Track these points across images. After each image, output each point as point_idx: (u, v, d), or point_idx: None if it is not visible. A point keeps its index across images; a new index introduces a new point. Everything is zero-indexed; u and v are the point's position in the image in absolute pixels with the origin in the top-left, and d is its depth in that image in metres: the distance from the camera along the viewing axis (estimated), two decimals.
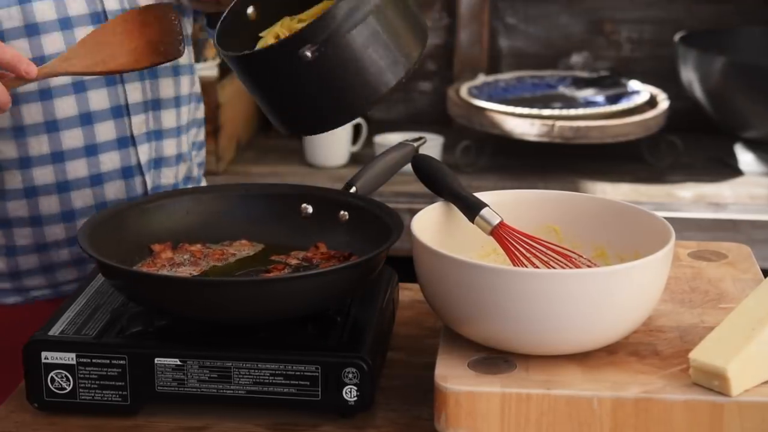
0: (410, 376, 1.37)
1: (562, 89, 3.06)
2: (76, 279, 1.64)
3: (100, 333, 1.31)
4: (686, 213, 2.69)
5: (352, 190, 1.47)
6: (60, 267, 1.63)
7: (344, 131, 2.85)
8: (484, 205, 1.33)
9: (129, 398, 1.29)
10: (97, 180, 1.60)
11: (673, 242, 1.27)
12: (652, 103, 2.93)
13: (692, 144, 2.97)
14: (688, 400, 1.17)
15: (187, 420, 1.29)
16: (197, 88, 1.75)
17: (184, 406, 1.30)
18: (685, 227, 2.62)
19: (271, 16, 1.48)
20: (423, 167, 1.42)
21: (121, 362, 1.28)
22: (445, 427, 1.19)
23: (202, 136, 1.80)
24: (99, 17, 1.56)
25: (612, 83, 3.05)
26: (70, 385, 1.29)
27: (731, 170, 2.89)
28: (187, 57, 1.67)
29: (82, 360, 1.28)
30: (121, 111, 1.60)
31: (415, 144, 1.54)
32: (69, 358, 1.28)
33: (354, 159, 2.87)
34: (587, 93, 3.01)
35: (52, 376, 1.29)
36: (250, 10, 1.47)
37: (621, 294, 1.21)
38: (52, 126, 1.55)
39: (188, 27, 1.72)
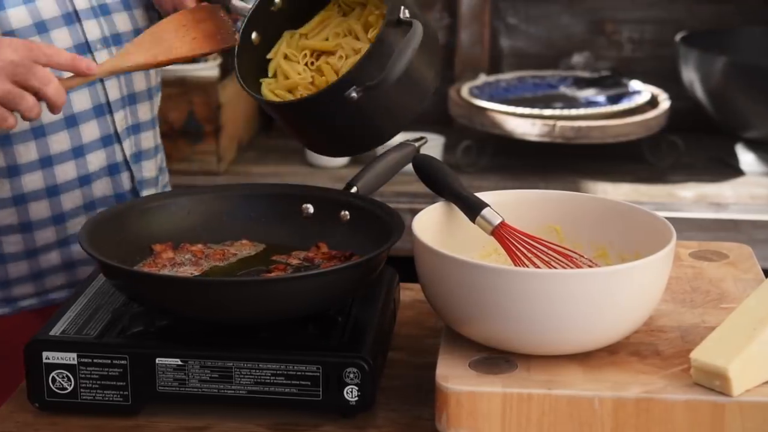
0: (411, 376, 1.37)
1: (564, 89, 3.06)
2: (64, 285, 1.63)
3: (101, 333, 1.31)
4: (687, 213, 2.69)
5: (353, 190, 1.47)
6: (49, 273, 1.62)
7: None
8: (485, 205, 1.33)
9: (130, 398, 1.29)
10: (85, 180, 1.60)
11: (674, 242, 1.27)
12: (653, 103, 2.93)
13: (693, 144, 2.97)
14: (690, 400, 1.17)
15: (188, 420, 1.29)
16: (159, 77, 1.76)
17: (185, 406, 1.30)
18: (686, 227, 2.62)
19: (270, 35, 1.50)
20: (424, 167, 1.42)
21: (123, 362, 1.28)
22: (446, 427, 1.19)
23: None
24: (71, 17, 1.56)
25: (613, 83, 3.05)
26: (71, 385, 1.29)
27: (732, 170, 2.89)
28: None
29: (83, 360, 1.28)
30: (102, 109, 1.60)
31: (416, 144, 1.54)
32: (70, 358, 1.28)
33: (355, 159, 2.86)
34: (588, 93, 3.01)
35: (53, 376, 1.29)
36: (254, 35, 1.49)
37: (622, 294, 1.21)
38: (39, 131, 1.55)
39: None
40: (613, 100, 2.94)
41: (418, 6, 1.42)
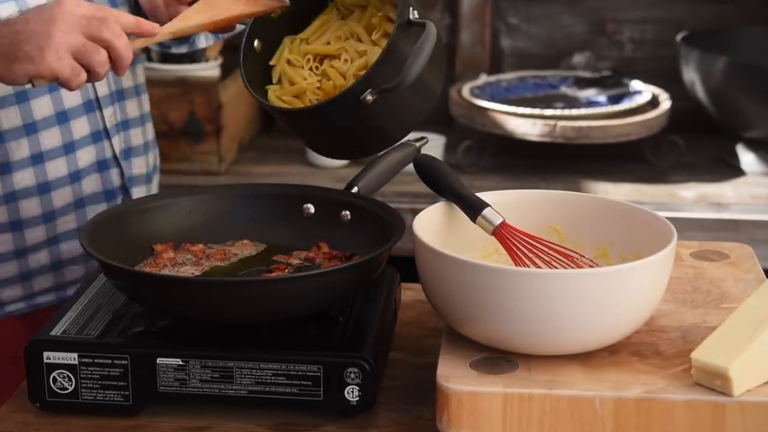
0: (412, 376, 1.37)
1: (564, 89, 3.05)
2: (51, 287, 1.63)
3: (102, 333, 1.31)
4: (688, 213, 2.69)
5: (354, 190, 1.47)
6: (37, 273, 1.61)
7: None
8: (486, 205, 1.33)
9: (131, 398, 1.29)
10: (75, 177, 1.60)
11: (675, 242, 1.27)
12: (654, 103, 2.93)
13: (694, 144, 2.97)
14: (690, 400, 1.17)
15: (189, 420, 1.29)
16: (144, 77, 1.76)
17: (186, 406, 1.30)
18: (687, 227, 2.61)
19: (271, 41, 1.50)
20: (425, 167, 1.42)
21: (123, 362, 1.28)
22: (447, 427, 1.19)
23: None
24: (92, 104, 1.59)
25: (614, 83, 3.05)
26: (72, 385, 1.29)
27: (733, 170, 2.89)
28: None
29: (84, 360, 1.28)
30: (92, 105, 1.60)
31: (417, 144, 1.54)
32: (71, 358, 1.28)
33: (356, 159, 2.86)
34: (589, 93, 3.01)
35: (54, 376, 1.29)
36: (256, 43, 1.49)
37: (623, 294, 1.21)
38: (31, 128, 1.55)
39: None
40: (614, 100, 2.94)
41: (420, 6, 1.42)
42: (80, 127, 1.59)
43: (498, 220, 1.32)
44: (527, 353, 1.24)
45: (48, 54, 1.31)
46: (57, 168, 1.58)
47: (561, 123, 2.78)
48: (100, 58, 1.34)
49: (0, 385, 1.38)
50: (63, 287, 1.64)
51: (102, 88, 1.61)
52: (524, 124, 2.80)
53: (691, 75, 2.88)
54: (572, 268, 1.30)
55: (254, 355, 1.27)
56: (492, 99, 2.91)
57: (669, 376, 1.20)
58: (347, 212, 1.46)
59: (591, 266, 1.33)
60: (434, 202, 1.38)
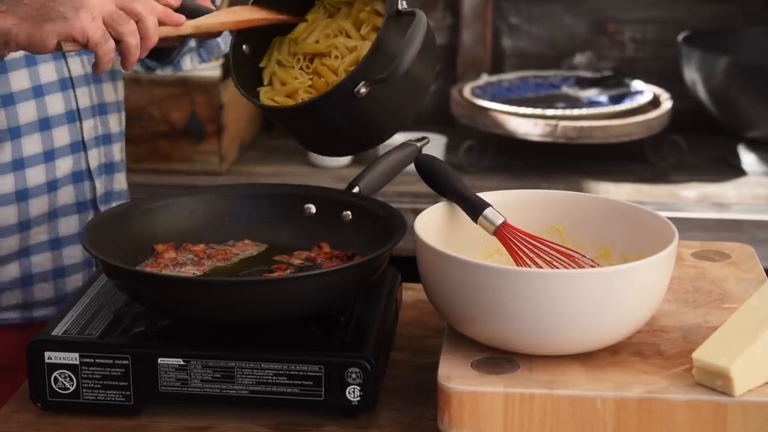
0: (413, 376, 1.37)
1: (566, 89, 3.05)
2: (17, 305, 1.60)
3: (103, 333, 1.31)
4: (689, 213, 2.69)
5: (355, 190, 1.47)
6: (4, 288, 1.58)
7: None
8: (488, 205, 1.33)
9: (132, 398, 1.29)
10: (52, 186, 1.58)
11: (677, 242, 1.27)
12: (655, 103, 2.93)
13: (695, 144, 2.97)
14: (692, 400, 1.17)
15: (190, 420, 1.29)
16: (123, 95, 1.75)
17: (187, 406, 1.30)
18: (689, 227, 2.61)
19: (259, 44, 1.50)
20: (426, 167, 1.42)
21: (125, 362, 1.28)
22: (448, 427, 1.19)
23: None
24: (73, 115, 1.58)
25: (615, 83, 3.05)
26: (73, 385, 1.29)
27: (735, 170, 2.89)
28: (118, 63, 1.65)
29: (85, 360, 1.28)
30: (73, 116, 1.60)
31: (419, 144, 1.54)
32: (72, 358, 1.28)
33: (357, 159, 2.86)
34: (590, 93, 3.01)
35: (55, 376, 1.29)
36: (244, 47, 1.49)
37: (624, 294, 1.21)
38: (15, 132, 1.54)
39: None
40: (616, 100, 2.94)
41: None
42: (61, 136, 1.58)
43: (499, 220, 1.32)
44: (528, 353, 1.24)
45: (83, 13, 1.30)
46: (36, 176, 1.56)
47: (562, 123, 2.78)
48: (131, 27, 1.33)
49: None
50: (29, 307, 1.61)
51: (84, 99, 1.60)
52: (526, 124, 2.80)
53: (692, 75, 2.88)
54: (574, 268, 1.30)
55: (255, 355, 1.27)
56: (493, 99, 2.91)
57: (670, 376, 1.20)
58: (348, 212, 1.46)
59: (592, 266, 1.33)
60: (435, 202, 1.38)
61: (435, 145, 2.80)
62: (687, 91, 2.94)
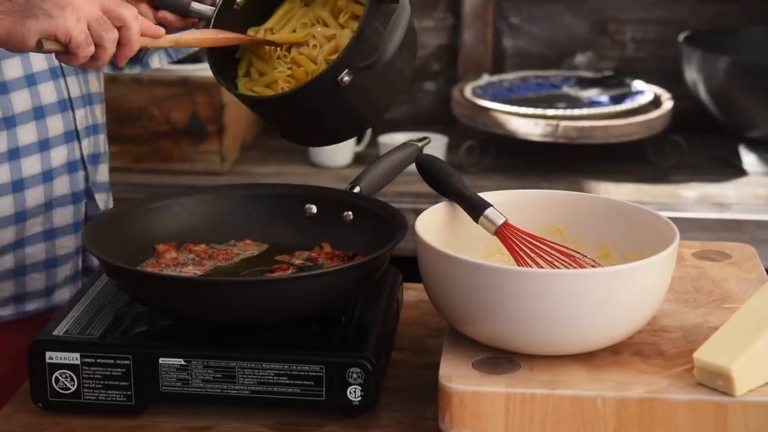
0: (414, 376, 1.37)
1: (566, 89, 3.05)
2: (9, 297, 1.59)
3: (104, 333, 1.31)
4: (690, 213, 2.69)
5: (356, 190, 1.47)
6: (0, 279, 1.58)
7: None
8: (489, 205, 1.33)
9: (133, 398, 1.29)
10: (48, 176, 1.58)
11: (677, 242, 1.27)
12: (656, 103, 2.93)
13: (696, 144, 2.97)
14: (693, 400, 1.17)
15: (191, 420, 1.29)
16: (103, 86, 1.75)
17: (188, 406, 1.30)
18: (689, 227, 2.61)
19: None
20: (427, 167, 1.42)
21: (126, 362, 1.28)
22: (450, 427, 1.19)
23: None
24: (65, 104, 1.58)
25: (616, 83, 3.05)
26: (74, 385, 1.29)
27: (735, 170, 2.89)
28: None
29: (86, 360, 1.28)
30: (66, 105, 1.59)
31: (420, 144, 1.54)
32: (73, 358, 1.29)
33: (358, 159, 2.87)
34: (591, 93, 3.01)
35: (56, 376, 1.29)
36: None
37: (625, 294, 1.21)
38: (10, 122, 1.54)
39: None
40: (616, 100, 2.94)
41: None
42: (55, 125, 1.58)
43: (500, 220, 1.32)
44: (529, 353, 1.24)
45: (68, 13, 1.29)
46: (31, 166, 1.56)
47: (563, 123, 2.78)
48: (113, 35, 1.33)
49: None
50: (21, 299, 1.60)
51: (74, 88, 1.60)
52: (526, 124, 2.80)
53: (693, 75, 2.88)
54: (574, 268, 1.30)
55: (256, 355, 1.27)
56: (494, 99, 2.91)
57: (671, 376, 1.20)
58: (349, 212, 1.46)
59: (593, 266, 1.33)
60: (436, 202, 1.38)
61: (436, 145, 2.79)
62: (688, 91, 2.93)
